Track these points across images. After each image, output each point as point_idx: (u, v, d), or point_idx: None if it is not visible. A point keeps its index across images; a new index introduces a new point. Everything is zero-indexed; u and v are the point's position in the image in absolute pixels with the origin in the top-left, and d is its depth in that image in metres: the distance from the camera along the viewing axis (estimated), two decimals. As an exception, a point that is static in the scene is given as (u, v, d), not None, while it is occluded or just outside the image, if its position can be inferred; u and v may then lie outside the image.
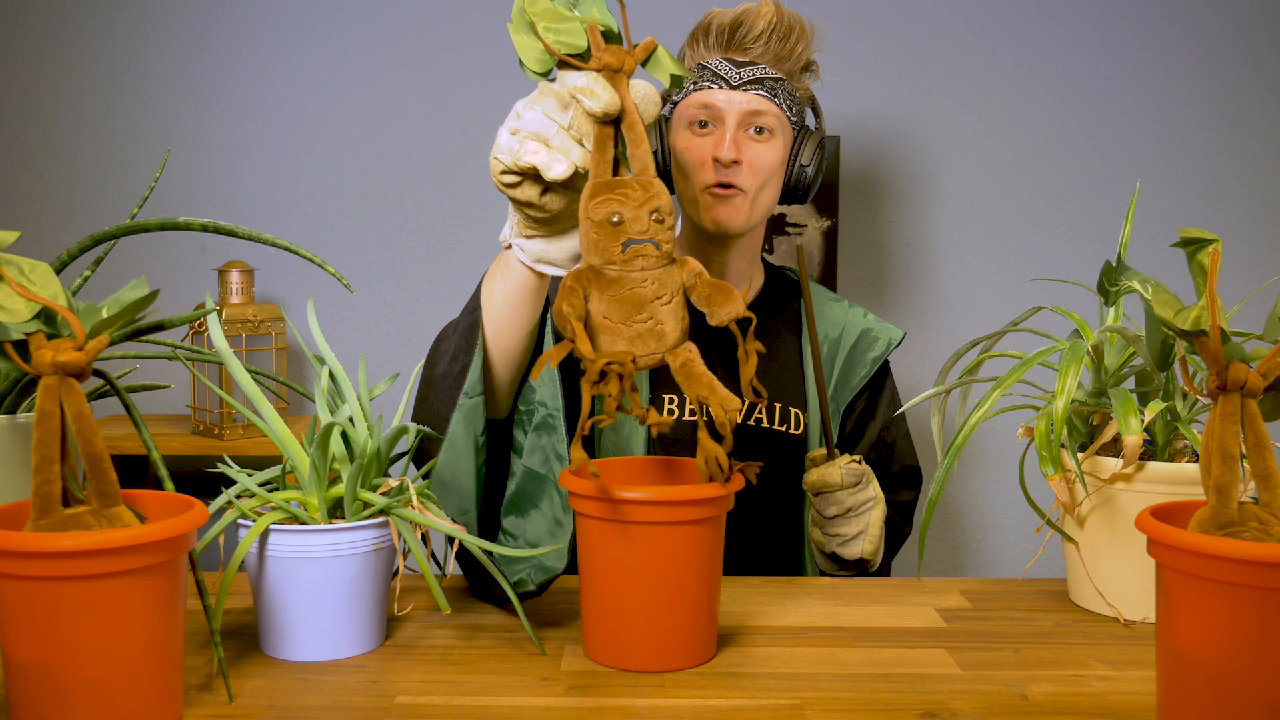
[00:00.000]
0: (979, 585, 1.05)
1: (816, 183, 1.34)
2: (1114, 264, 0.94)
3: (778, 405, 1.34)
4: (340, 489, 0.85)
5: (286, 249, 0.88)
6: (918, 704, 0.75)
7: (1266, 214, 2.17)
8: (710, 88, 1.26)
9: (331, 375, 0.91)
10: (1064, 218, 2.17)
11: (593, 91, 0.78)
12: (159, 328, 0.83)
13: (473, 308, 1.03)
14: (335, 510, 0.86)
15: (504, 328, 1.00)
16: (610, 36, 0.81)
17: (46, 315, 0.66)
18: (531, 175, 0.83)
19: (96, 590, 0.65)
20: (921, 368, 2.15)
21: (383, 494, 0.86)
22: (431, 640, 0.88)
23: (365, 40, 2.16)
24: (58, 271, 0.76)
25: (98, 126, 2.17)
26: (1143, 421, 0.89)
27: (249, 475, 0.86)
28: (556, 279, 0.97)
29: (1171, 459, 0.95)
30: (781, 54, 1.28)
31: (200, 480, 1.49)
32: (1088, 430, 0.97)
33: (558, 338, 0.78)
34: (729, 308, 0.79)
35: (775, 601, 0.99)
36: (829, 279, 2.12)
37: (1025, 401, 1.02)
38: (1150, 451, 0.95)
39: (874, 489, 1.20)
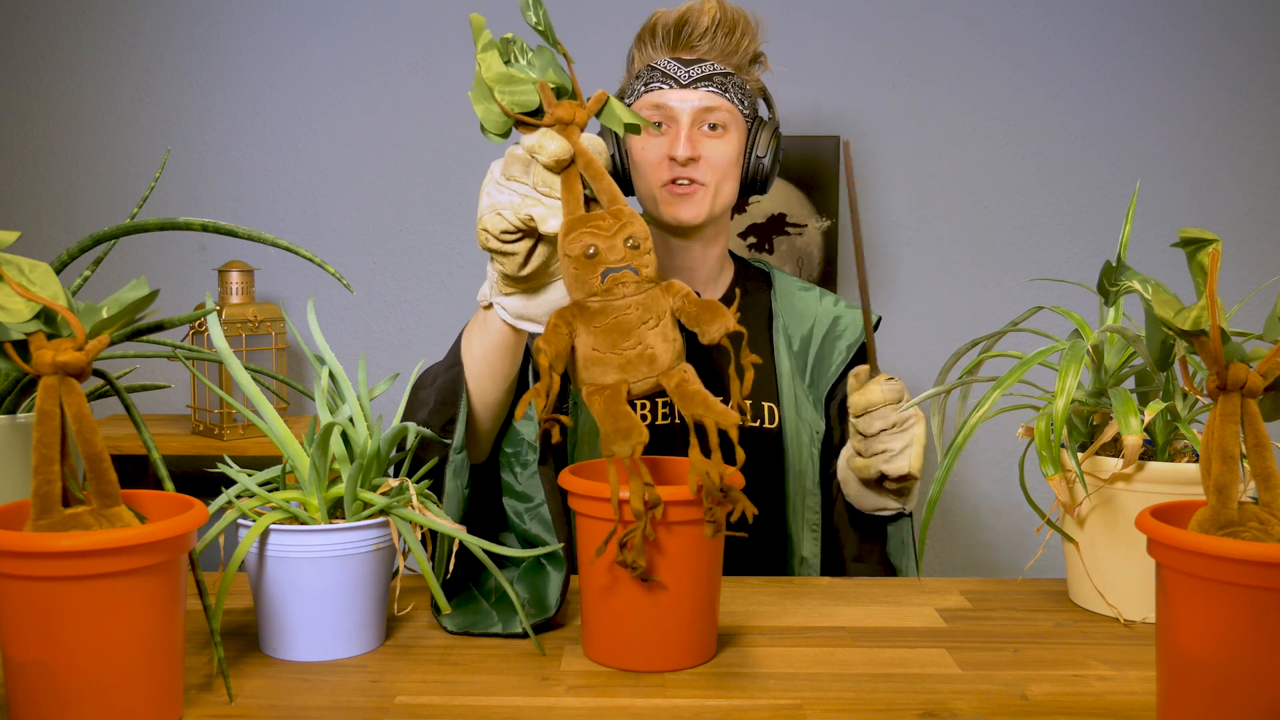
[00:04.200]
0: (979, 585, 1.05)
1: (774, 173, 1.35)
2: (1114, 264, 0.94)
3: (748, 402, 1.35)
4: (340, 489, 0.85)
5: (286, 249, 0.88)
6: (918, 704, 0.75)
7: (1266, 214, 2.17)
8: (661, 88, 1.28)
9: (331, 375, 0.91)
10: (1064, 218, 2.17)
11: (541, 145, 0.84)
12: (159, 328, 0.83)
13: (452, 363, 1.07)
14: (335, 510, 0.86)
15: (484, 382, 1.04)
16: (562, 93, 0.85)
17: (46, 315, 0.66)
18: (527, 230, 0.87)
19: (96, 590, 0.65)
20: (921, 368, 2.15)
21: (383, 494, 0.86)
22: (431, 640, 0.88)
23: (365, 40, 2.16)
24: (58, 271, 0.76)
25: (98, 126, 2.17)
26: (1143, 421, 0.89)
27: (249, 475, 0.86)
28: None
29: (1171, 459, 0.95)
30: (728, 49, 1.30)
31: (200, 480, 1.49)
32: (1088, 430, 0.97)
33: (539, 377, 0.80)
34: (719, 324, 0.80)
35: (775, 601, 0.99)
36: (829, 279, 2.12)
37: (1025, 401, 1.02)
38: (1150, 451, 0.95)
39: (915, 408, 1.20)
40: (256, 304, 2.01)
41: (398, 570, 0.88)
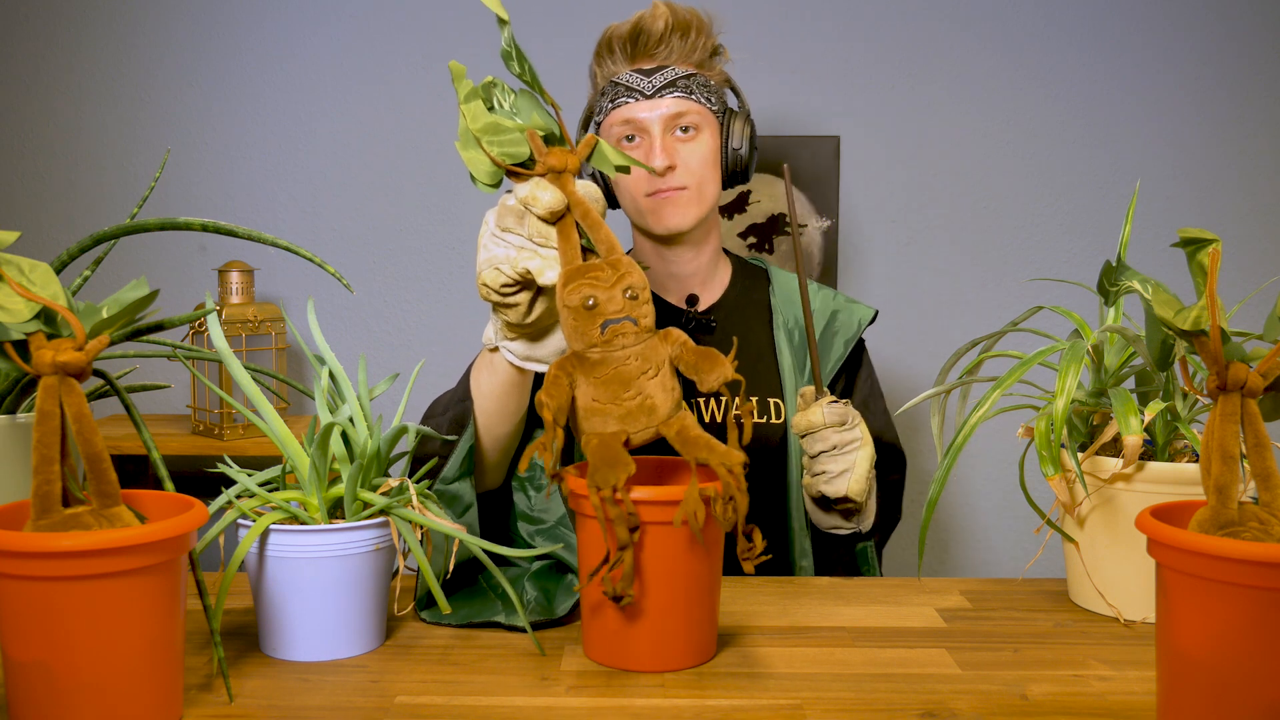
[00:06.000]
0: (979, 585, 1.05)
1: (753, 160, 1.37)
2: (1114, 264, 0.94)
3: (754, 399, 1.36)
4: (340, 489, 0.85)
5: (286, 249, 0.88)
6: (918, 704, 0.75)
7: (1266, 214, 2.17)
8: (628, 101, 1.29)
9: (331, 375, 0.91)
10: (1064, 218, 2.17)
11: (535, 197, 0.84)
12: (159, 328, 0.83)
13: (463, 395, 1.09)
14: (335, 510, 0.86)
15: (494, 417, 1.07)
16: (551, 139, 0.85)
17: (46, 315, 0.66)
18: (525, 283, 0.88)
19: (96, 590, 0.65)
20: (921, 368, 2.15)
21: (383, 494, 0.86)
22: (431, 640, 0.88)
23: (365, 40, 2.16)
24: (58, 271, 0.76)
25: (98, 126, 2.17)
26: (1143, 421, 0.89)
27: (249, 475, 0.86)
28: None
29: (1171, 459, 0.95)
30: (686, 50, 1.31)
31: (200, 480, 1.49)
32: (1088, 430, 0.97)
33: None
34: (717, 373, 0.80)
35: (775, 601, 0.99)
36: (829, 278, 2.11)
37: (1025, 401, 1.02)
38: (1150, 451, 0.95)
39: (861, 431, 1.21)
40: (256, 304, 2.01)
41: (398, 570, 0.88)
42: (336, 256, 2.17)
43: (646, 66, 1.30)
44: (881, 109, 2.15)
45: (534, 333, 0.95)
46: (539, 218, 0.85)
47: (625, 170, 0.89)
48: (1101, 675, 0.81)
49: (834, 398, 1.20)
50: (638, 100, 1.28)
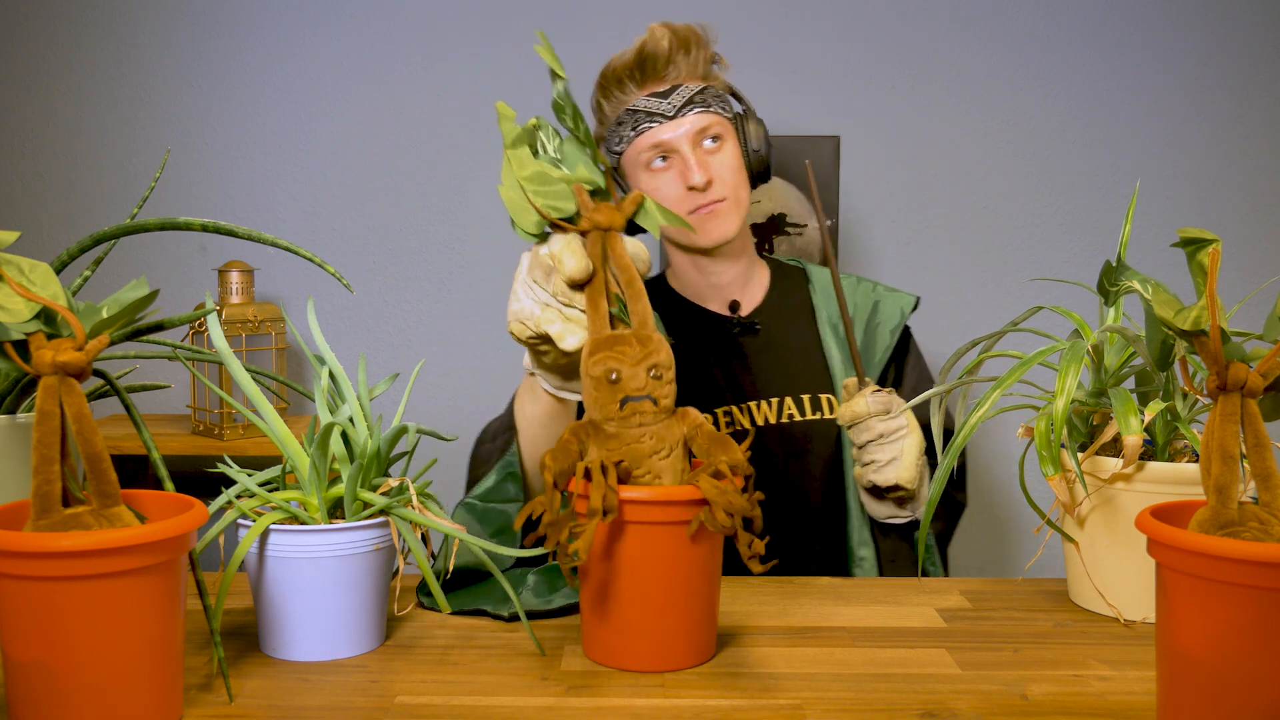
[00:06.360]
0: (979, 585, 1.05)
1: (771, 158, 1.40)
2: (1114, 264, 0.94)
3: (806, 396, 1.38)
4: (340, 489, 0.85)
5: (286, 249, 0.88)
6: (918, 704, 0.75)
7: (1266, 214, 2.17)
8: (651, 126, 1.32)
9: (331, 375, 0.91)
10: (1064, 218, 2.17)
11: (560, 261, 0.81)
12: (159, 328, 0.83)
13: (509, 424, 1.11)
14: (335, 510, 0.86)
15: (539, 444, 1.07)
16: (598, 193, 0.82)
17: (46, 315, 0.66)
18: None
19: (96, 590, 0.65)
20: (921, 368, 2.15)
21: (383, 494, 0.86)
22: (431, 640, 0.88)
23: (365, 40, 2.16)
24: (58, 271, 0.76)
25: (97, 126, 2.17)
26: (1143, 421, 0.89)
27: (249, 475, 0.86)
28: None
29: (1171, 459, 0.95)
30: (690, 65, 1.33)
31: (200, 480, 1.49)
32: (1088, 430, 0.97)
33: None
34: (729, 456, 0.79)
35: (775, 601, 0.99)
36: (829, 279, 2.12)
37: (1025, 401, 1.02)
38: (1150, 451, 0.95)
39: (907, 418, 1.21)
40: (256, 304, 2.01)
41: (398, 570, 0.88)
42: (336, 256, 2.17)
43: (660, 89, 1.32)
44: (881, 109, 2.15)
45: (566, 370, 0.95)
46: (564, 280, 0.83)
47: (673, 224, 0.85)
48: (1101, 675, 0.81)
49: (877, 387, 1.22)
50: (661, 123, 1.31)
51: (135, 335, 0.82)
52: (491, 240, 2.17)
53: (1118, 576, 0.94)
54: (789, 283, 1.45)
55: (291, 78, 2.16)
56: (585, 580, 0.84)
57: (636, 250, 0.84)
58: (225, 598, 0.85)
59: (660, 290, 1.45)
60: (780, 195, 2.12)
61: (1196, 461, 0.92)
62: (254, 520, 0.82)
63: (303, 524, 0.83)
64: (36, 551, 0.63)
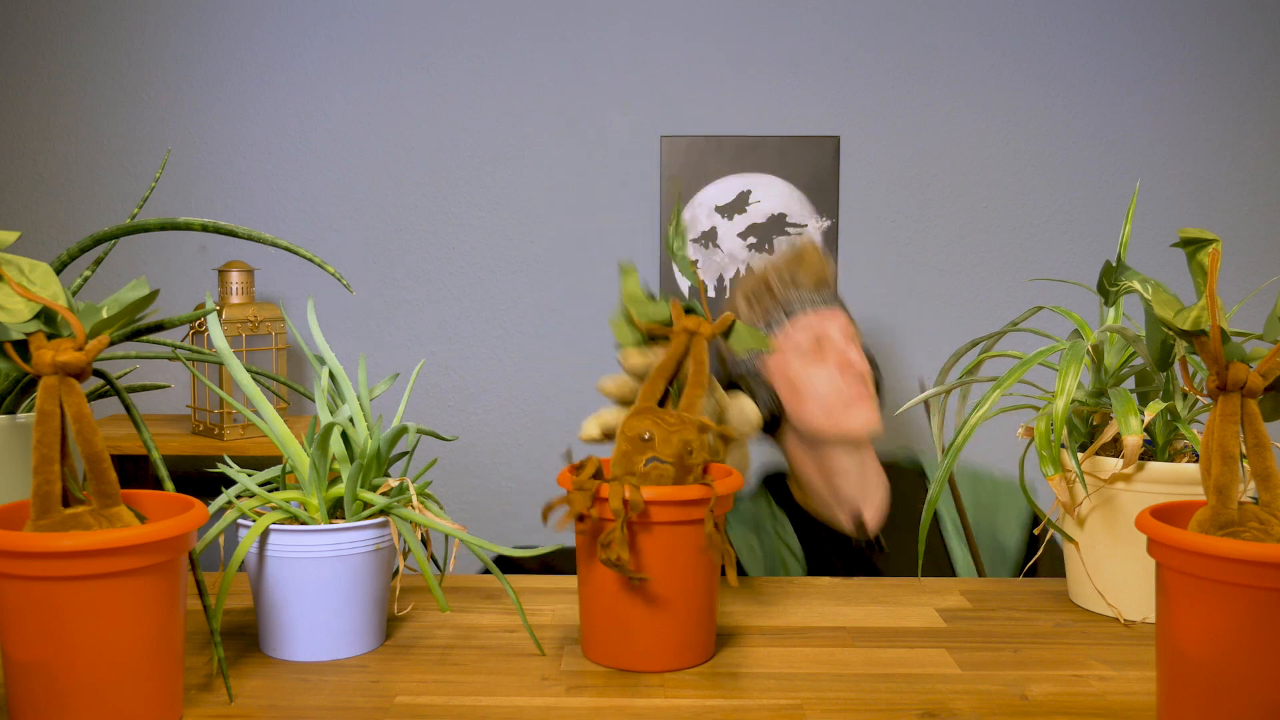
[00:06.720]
0: (979, 585, 1.05)
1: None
2: (1114, 264, 0.94)
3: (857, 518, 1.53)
4: (340, 489, 0.85)
5: (286, 249, 0.88)
6: (918, 704, 0.75)
7: (1266, 214, 2.17)
8: (807, 312, 1.48)
9: (331, 375, 0.91)
10: (1064, 218, 2.17)
11: (593, 421, 0.90)
12: (159, 328, 0.83)
13: None
14: (335, 510, 0.86)
15: None
16: (692, 310, 0.90)
17: (46, 315, 0.66)
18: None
19: (96, 590, 0.65)
20: (922, 368, 2.15)
21: (383, 494, 0.86)
22: (431, 640, 0.88)
23: (365, 40, 2.16)
24: (58, 271, 0.76)
25: (97, 126, 2.17)
26: (1143, 421, 0.89)
27: (249, 475, 0.86)
28: None
29: (1171, 459, 0.95)
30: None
31: (200, 480, 1.49)
32: (1088, 430, 0.97)
33: None
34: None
35: (775, 601, 0.99)
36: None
37: (1025, 401, 1.02)
38: (1150, 451, 0.95)
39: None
40: (256, 304, 2.01)
41: (398, 570, 0.88)
42: (336, 256, 2.17)
43: (804, 292, 1.51)
44: (881, 109, 2.15)
45: None
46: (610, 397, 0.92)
47: (760, 348, 0.93)
48: (1101, 675, 0.81)
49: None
50: (816, 310, 1.50)
51: (135, 335, 0.82)
52: (491, 240, 2.17)
53: (1118, 576, 0.94)
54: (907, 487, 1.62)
55: (292, 77, 2.16)
56: (585, 580, 0.84)
57: (745, 414, 0.94)
58: (225, 598, 0.85)
59: None
60: (781, 195, 2.12)
61: (1196, 461, 0.92)
62: (254, 520, 0.82)
63: (303, 524, 0.83)
64: (36, 551, 0.63)
